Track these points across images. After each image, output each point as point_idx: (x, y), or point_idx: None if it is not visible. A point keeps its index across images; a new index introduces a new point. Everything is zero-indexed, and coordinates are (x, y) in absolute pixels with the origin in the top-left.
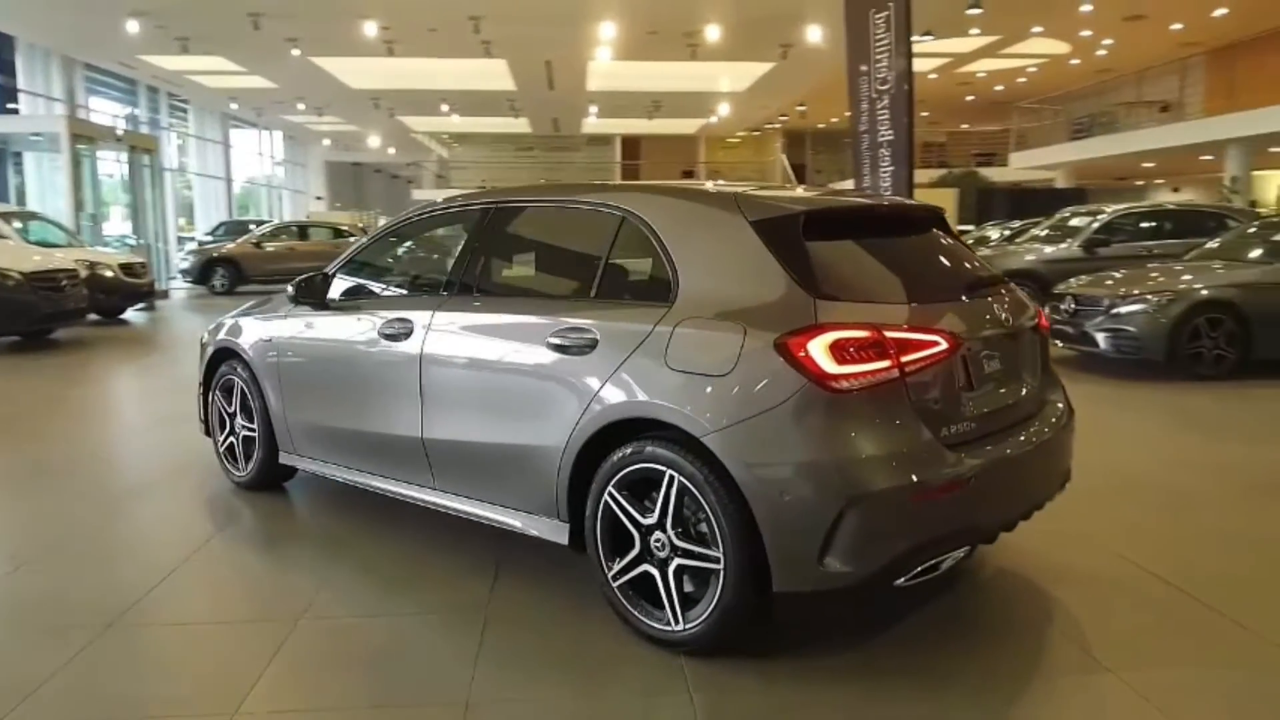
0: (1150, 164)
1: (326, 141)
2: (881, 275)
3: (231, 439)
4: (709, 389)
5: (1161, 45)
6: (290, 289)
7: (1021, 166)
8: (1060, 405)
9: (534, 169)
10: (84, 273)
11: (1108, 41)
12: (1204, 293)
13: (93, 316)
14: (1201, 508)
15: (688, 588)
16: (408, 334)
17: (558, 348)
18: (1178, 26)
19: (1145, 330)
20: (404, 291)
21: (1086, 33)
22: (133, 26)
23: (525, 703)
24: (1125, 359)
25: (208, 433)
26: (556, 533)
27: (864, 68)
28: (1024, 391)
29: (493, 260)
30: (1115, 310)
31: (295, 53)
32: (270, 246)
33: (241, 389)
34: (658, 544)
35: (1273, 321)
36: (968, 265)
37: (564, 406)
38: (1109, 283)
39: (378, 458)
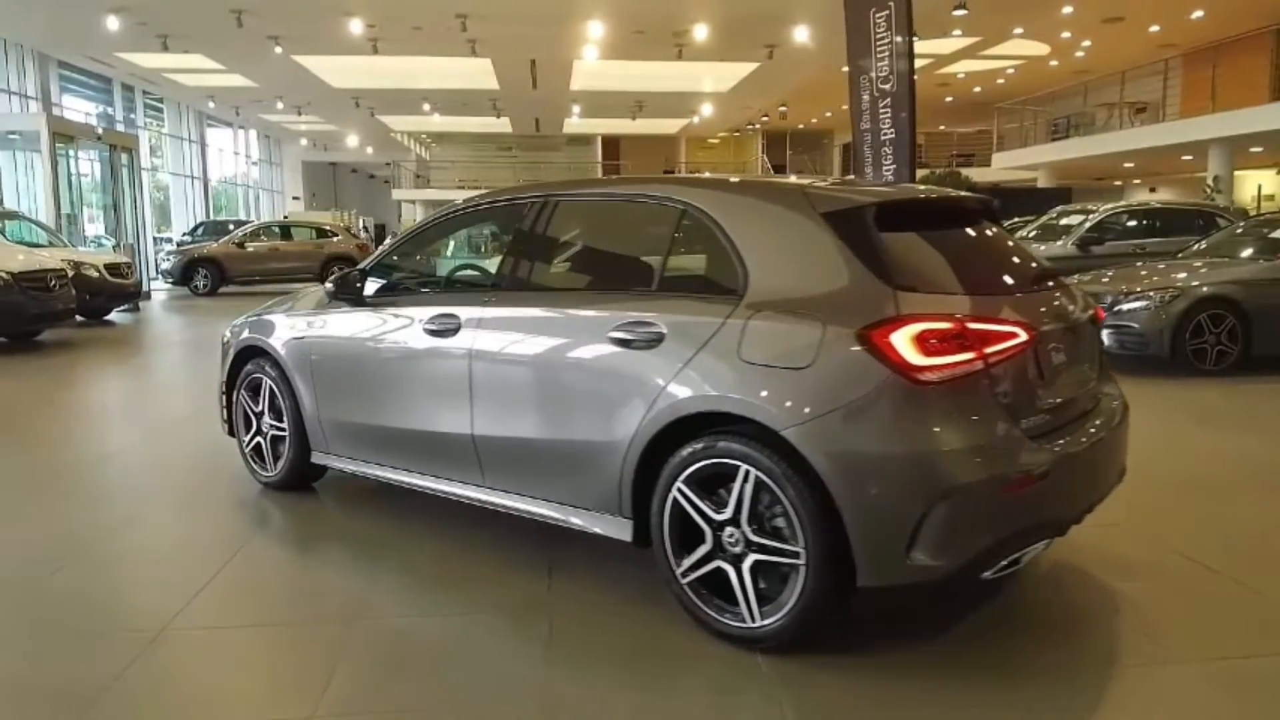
0: (1130, 164)
1: (304, 141)
2: (951, 267)
3: (259, 439)
4: (787, 382)
5: (1140, 47)
6: (328, 285)
7: (1004, 166)
8: (1116, 399)
9: (514, 169)
10: (69, 273)
11: (1086, 43)
12: (1206, 290)
13: (77, 318)
14: (1236, 501)
15: (761, 584)
16: (455, 330)
17: (621, 342)
18: (1155, 29)
19: (1149, 327)
20: (448, 287)
21: (1066, 34)
22: (112, 23)
23: (610, 703)
24: (1128, 355)
25: (231, 433)
26: (619, 529)
27: (865, 65)
28: (1086, 385)
29: (545, 254)
30: (1119, 307)
31: (277, 51)
32: (253, 246)
33: (270, 388)
34: (731, 540)
35: (1272, 318)
36: (1025, 258)
37: (629, 401)
38: (1106, 280)
39: (422, 456)
